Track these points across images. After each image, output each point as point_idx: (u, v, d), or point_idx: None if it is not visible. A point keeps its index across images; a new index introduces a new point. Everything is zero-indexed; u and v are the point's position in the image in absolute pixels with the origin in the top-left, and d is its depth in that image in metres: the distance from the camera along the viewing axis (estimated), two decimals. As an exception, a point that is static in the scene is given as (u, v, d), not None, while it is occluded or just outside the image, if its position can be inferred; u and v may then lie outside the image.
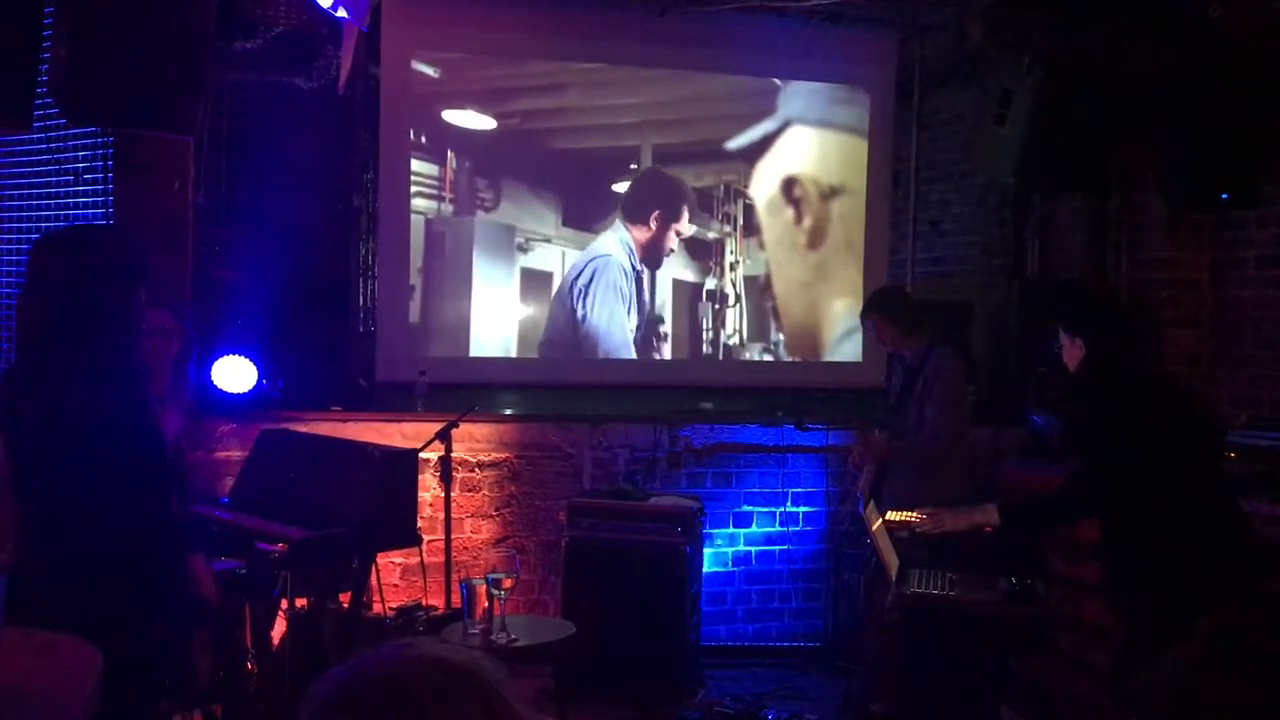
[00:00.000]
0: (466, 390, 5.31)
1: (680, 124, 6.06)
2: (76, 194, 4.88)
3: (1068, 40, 5.13)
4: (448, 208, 5.73)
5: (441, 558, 4.76)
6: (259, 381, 4.92)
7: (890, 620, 3.93)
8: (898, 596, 3.50)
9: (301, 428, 4.77)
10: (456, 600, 4.48)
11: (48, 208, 4.99)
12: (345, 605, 4.26)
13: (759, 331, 6.18)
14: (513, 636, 3.71)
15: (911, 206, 6.37)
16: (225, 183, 5.17)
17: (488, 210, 5.77)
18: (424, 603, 4.74)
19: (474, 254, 5.72)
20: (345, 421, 5.10)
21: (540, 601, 5.42)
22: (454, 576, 4.70)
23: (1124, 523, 3.25)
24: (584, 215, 5.90)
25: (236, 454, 4.90)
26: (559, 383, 5.83)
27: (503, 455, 5.46)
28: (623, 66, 5.95)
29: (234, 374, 4.88)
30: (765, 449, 5.76)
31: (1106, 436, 3.26)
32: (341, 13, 4.29)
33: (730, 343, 6.15)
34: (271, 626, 4.20)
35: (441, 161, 5.71)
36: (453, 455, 4.77)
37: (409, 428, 5.14)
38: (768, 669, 5.47)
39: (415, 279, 5.65)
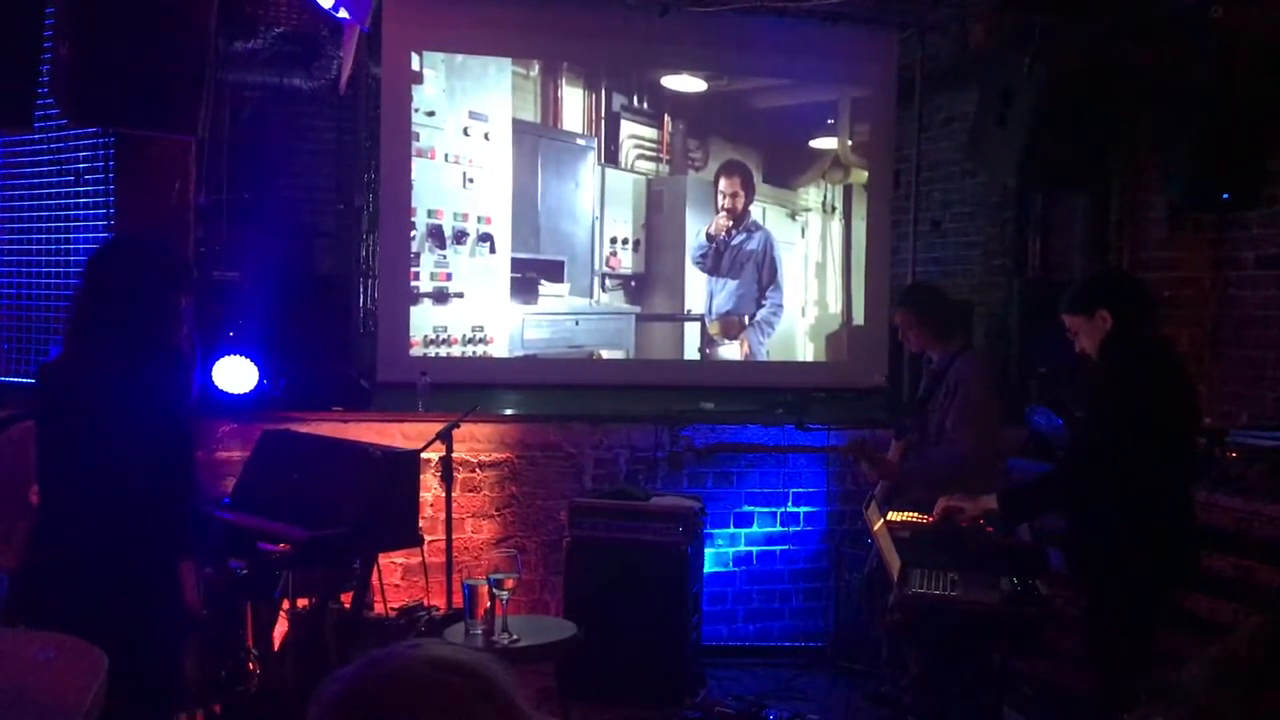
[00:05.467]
0: (468, 390, 5.31)
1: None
2: (78, 194, 4.88)
3: (1069, 40, 5.13)
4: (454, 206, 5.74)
5: (443, 558, 4.76)
6: (260, 382, 4.91)
7: (892, 621, 3.93)
8: (900, 597, 3.49)
9: (303, 428, 4.77)
10: (458, 600, 4.48)
11: (49, 208, 5.00)
12: (347, 605, 4.26)
13: (760, 331, 6.17)
14: (514, 637, 3.72)
15: (913, 206, 6.36)
16: (226, 183, 5.16)
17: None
18: (426, 603, 4.75)
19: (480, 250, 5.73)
20: (346, 422, 5.10)
21: (541, 601, 5.43)
22: (455, 577, 4.70)
23: (1103, 489, 3.37)
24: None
25: (238, 454, 4.90)
26: (560, 382, 5.83)
27: (504, 455, 5.46)
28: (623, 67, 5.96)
29: (235, 374, 4.87)
30: (766, 449, 5.76)
31: (1129, 399, 3.33)
32: (343, 13, 4.30)
33: (731, 342, 6.14)
34: (273, 626, 4.20)
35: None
36: (454, 455, 4.76)
37: (410, 428, 5.14)
38: (769, 669, 5.46)
39: (419, 279, 5.65)
